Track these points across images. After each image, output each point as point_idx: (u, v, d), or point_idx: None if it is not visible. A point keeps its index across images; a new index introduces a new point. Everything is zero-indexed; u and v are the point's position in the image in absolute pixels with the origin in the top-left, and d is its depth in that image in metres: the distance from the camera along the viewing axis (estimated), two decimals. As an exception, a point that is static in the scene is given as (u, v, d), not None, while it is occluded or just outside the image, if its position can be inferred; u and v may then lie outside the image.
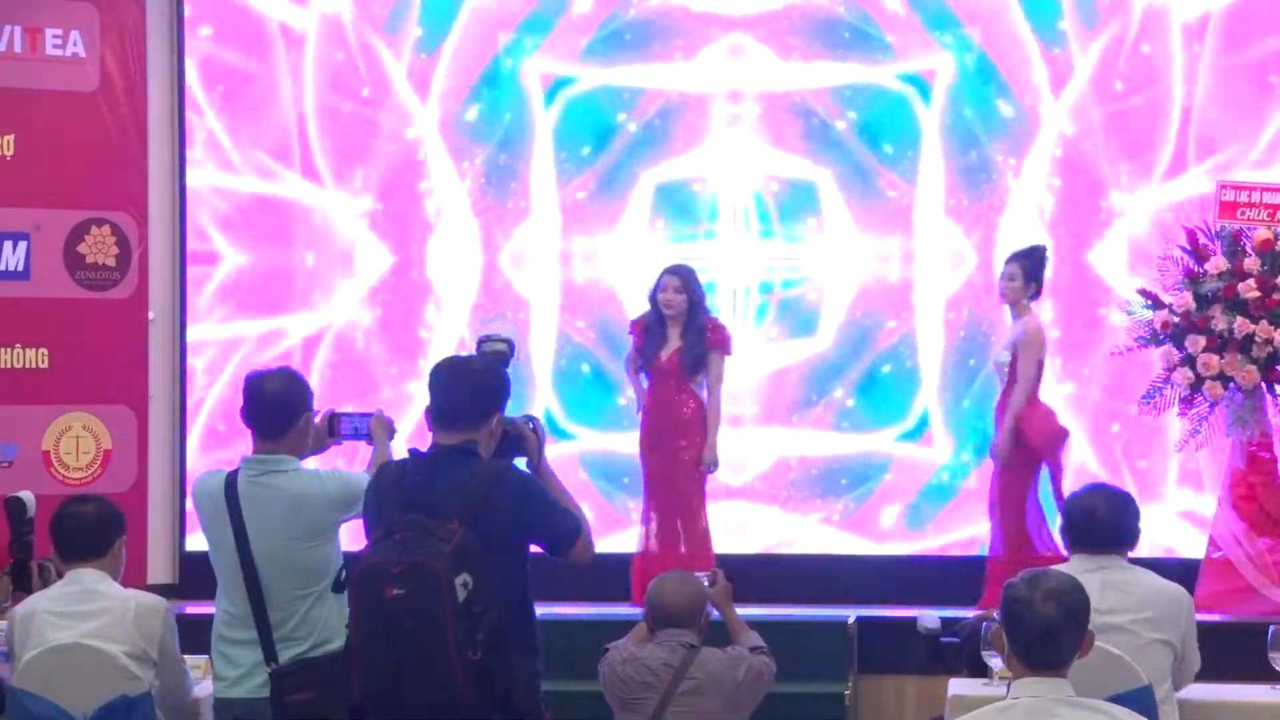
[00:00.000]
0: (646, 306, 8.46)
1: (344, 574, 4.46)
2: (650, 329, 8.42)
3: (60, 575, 5.35)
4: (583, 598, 7.81)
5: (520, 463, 4.64)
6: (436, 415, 4.51)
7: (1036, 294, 8.35)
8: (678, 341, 8.37)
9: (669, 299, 8.35)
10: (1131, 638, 5.00)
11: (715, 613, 5.62)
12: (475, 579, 4.16)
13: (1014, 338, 8.27)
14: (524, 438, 4.63)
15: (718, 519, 8.53)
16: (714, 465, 8.37)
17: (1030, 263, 8.32)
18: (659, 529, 8.42)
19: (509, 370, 4.69)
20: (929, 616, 7.57)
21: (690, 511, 8.39)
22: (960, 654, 6.07)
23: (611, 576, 7.96)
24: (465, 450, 4.43)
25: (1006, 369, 8.30)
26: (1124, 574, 5.11)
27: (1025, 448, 8.25)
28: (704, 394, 8.39)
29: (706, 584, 5.56)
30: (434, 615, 4.12)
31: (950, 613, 7.51)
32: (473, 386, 4.52)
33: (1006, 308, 8.42)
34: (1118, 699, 4.10)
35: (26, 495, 5.80)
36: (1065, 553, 5.31)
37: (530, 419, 4.70)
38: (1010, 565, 8.16)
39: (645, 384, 8.46)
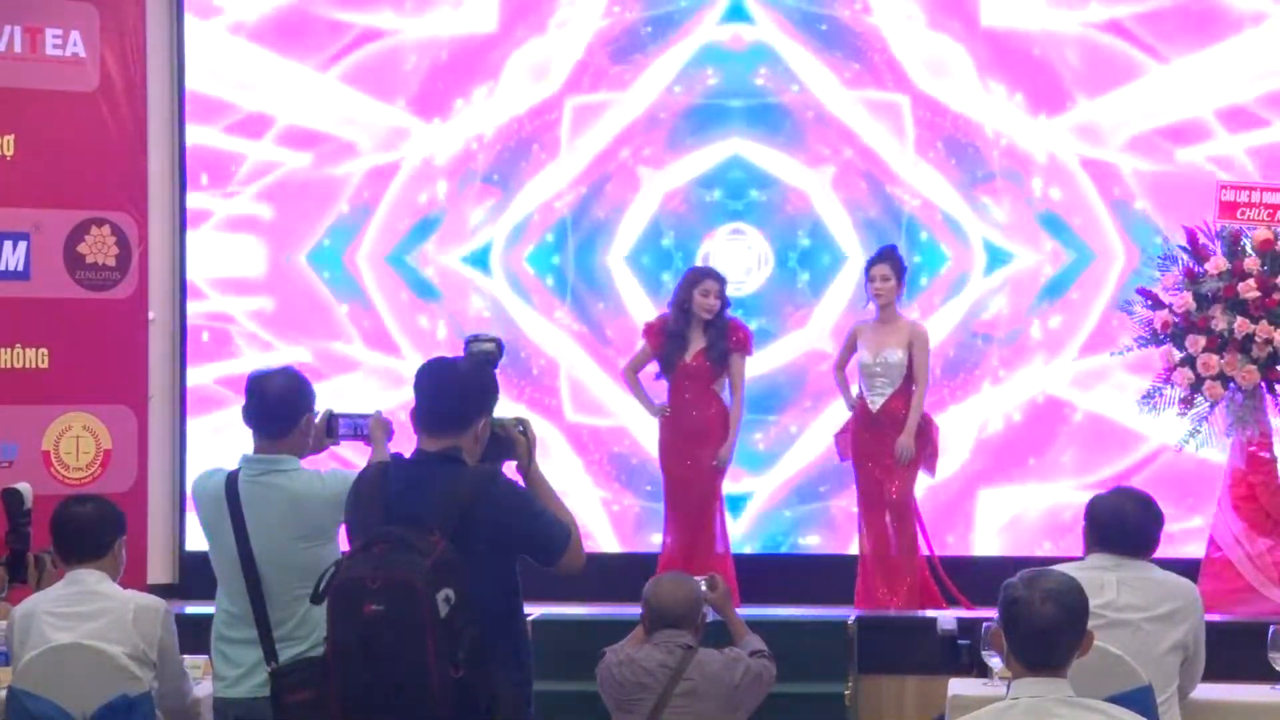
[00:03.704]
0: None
1: (322, 584, 4.17)
2: (670, 333, 8.41)
3: (57, 566, 5.35)
4: (612, 598, 7.79)
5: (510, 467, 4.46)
6: (420, 419, 4.31)
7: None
8: (701, 341, 8.36)
9: (711, 304, 8.33)
10: (1143, 636, 5.00)
11: (713, 614, 5.60)
12: (457, 594, 3.97)
13: (909, 337, 8.34)
14: (513, 441, 4.42)
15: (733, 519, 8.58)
16: (727, 464, 8.38)
17: (898, 262, 8.38)
18: (683, 532, 8.41)
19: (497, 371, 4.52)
20: (947, 618, 7.60)
21: (708, 514, 8.40)
22: (970, 654, 6.10)
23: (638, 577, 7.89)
24: (450, 457, 4.24)
25: (901, 369, 8.31)
26: (1140, 572, 5.09)
27: (930, 445, 8.38)
28: (725, 395, 8.39)
29: (705, 588, 5.54)
30: (414, 632, 3.94)
31: (966, 614, 7.54)
32: (458, 389, 4.32)
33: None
34: (1117, 699, 4.09)
35: (24, 486, 5.79)
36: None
37: (520, 422, 4.47)
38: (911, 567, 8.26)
39: (665, 388, 8.48)
